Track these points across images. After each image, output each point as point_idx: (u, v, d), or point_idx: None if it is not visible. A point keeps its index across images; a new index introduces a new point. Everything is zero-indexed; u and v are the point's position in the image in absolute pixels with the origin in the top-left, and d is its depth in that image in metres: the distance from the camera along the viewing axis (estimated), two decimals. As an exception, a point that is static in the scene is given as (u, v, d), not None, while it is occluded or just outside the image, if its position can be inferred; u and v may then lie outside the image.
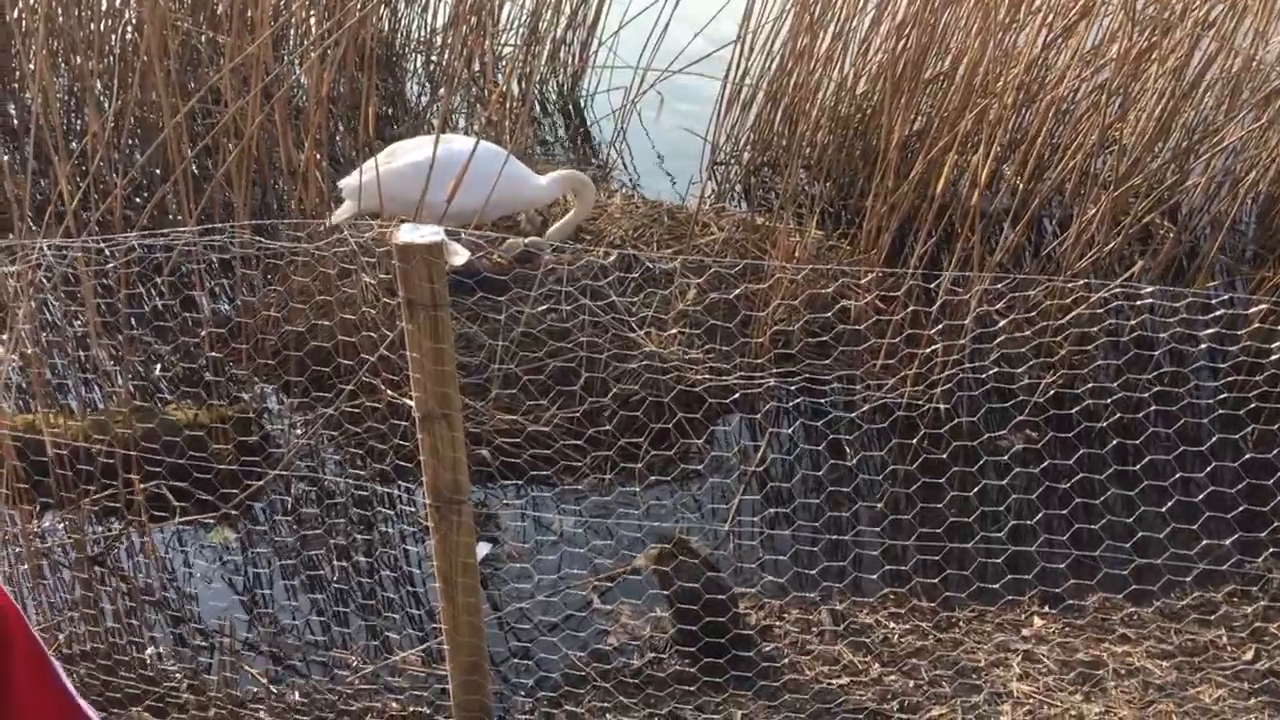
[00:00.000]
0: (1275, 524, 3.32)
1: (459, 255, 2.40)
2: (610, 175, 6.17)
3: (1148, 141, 5.07)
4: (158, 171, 5.43)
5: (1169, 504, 3.33)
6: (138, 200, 5.34)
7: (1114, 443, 3.34)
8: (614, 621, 3.68)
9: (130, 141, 5.37)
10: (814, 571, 3.70)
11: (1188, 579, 3.55)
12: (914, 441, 4.06)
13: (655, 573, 3.56)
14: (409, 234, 2.33)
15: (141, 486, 3.56)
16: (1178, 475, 3.11)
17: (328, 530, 4.02)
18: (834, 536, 3.92)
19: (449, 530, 2.58)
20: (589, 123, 6.87)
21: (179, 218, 4.75)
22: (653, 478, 4.15)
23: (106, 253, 3.31)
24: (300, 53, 5.41)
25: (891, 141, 4.89)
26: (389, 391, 4.01)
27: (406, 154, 4.70)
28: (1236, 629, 3.54)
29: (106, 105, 4.85)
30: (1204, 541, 3.34)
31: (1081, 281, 3.93)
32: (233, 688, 3.41)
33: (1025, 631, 3.61)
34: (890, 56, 5.45)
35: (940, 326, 4.07)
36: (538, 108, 6.95)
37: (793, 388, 4.41)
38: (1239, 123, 5.12)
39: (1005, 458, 4.10)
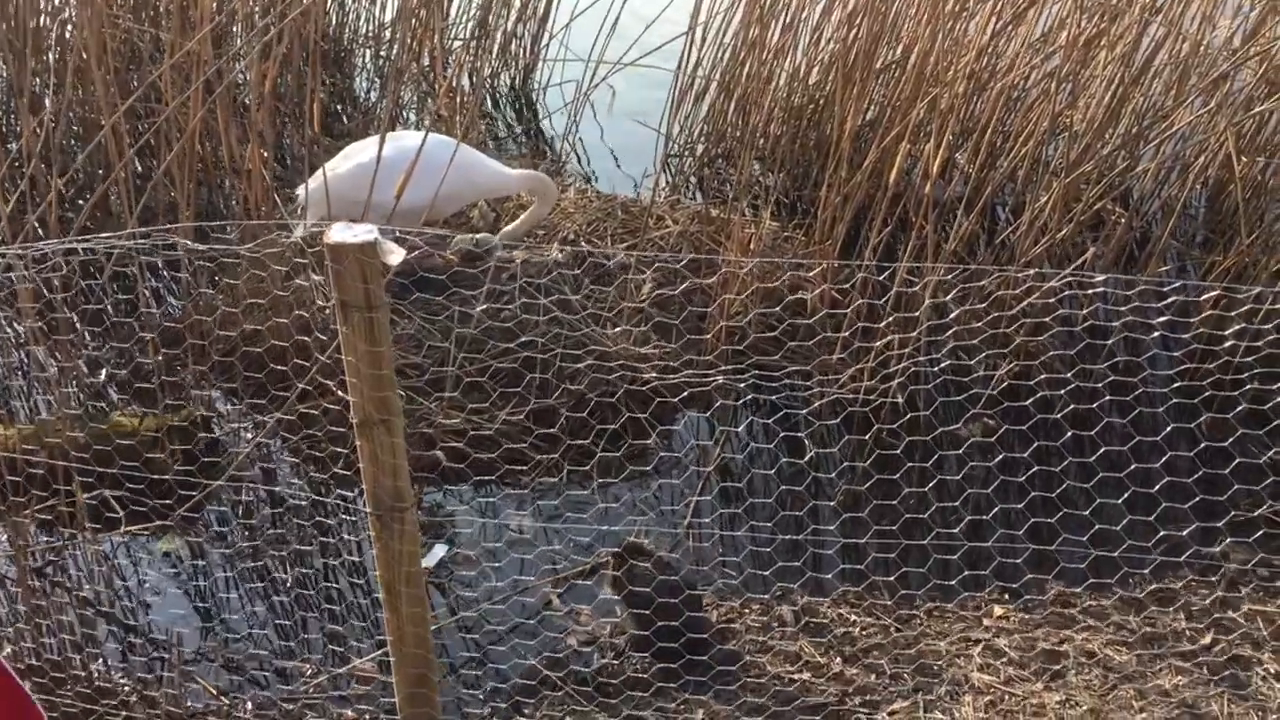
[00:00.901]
0: (1233, 513, 3.33)
1: (394, 254, 2.31)
2: (564, 169, 6.11)
3: (1098, 128, 5.08)
4: (101, 172, 5.31)
5: (1125, 495, 3.33)
6: (81, 202, 5.22)
7: (1069, 434, 3.33)
8: (573, 622, 3.64)
9: (72, 142, 5.26)
10: (770, 571, 3.67)
11: (1146, 571, 3.56)
12: (866, 437, 4.05)
13: (610, 577, 3.51)
14: (341, 233, 2.25)
15: (86, 496, 3.47)
16: (1133, 465, 3.10)
17: (280, 537, 3.94)
18: (792, 537, 3.89)
19: (390, 539, 2.50)
20: (541, 117, 6.80)
21: (123, 219, 4.65)
22: (600, 480, 4.10)
23: (43, 255, 3.23)
24: (242, 46, 5.30)
25: (844, 131, 4.87)
26: (339, 392, 3.94)
27: (355, 156, 4.63)
28: (1196, 615, 3.54)
29: (46, 104, 4.73)
30: (1161, 532, 3.34)
31: (1033, 271, 3.92)
32: (182, 700, 3.34)
33: (986, 622, 3.60)
34: (842, 46, 5.43)
35: (893, 319, 4.05)
36: (489, 102, 6.88)
37: (743, 385, 4.37)
38: (1188, 107, 5.14)
39: (962, 450, 4.08)
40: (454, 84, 6.34)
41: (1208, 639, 3.45)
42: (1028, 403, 3.60)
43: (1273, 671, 3.32)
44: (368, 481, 2.44)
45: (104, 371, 4.46)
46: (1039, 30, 5.23)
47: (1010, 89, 5.31)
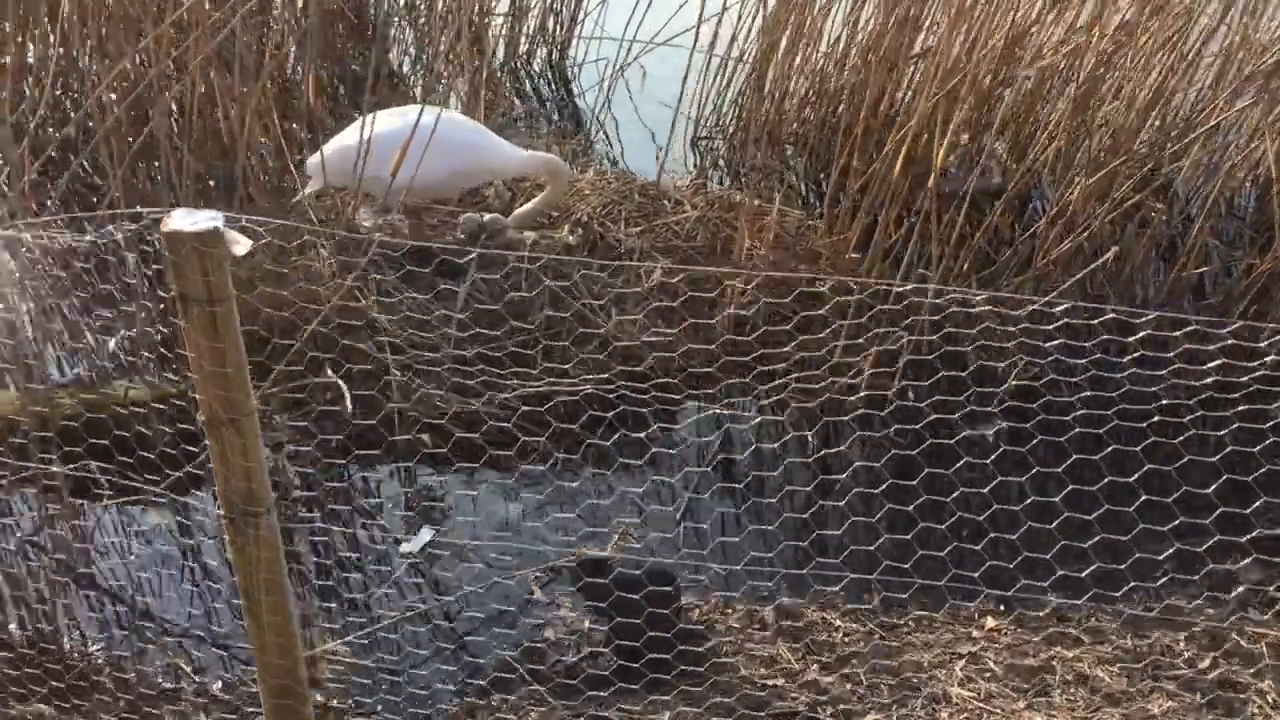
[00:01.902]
0: (1254, 533, 3.13)
1: (240, 245, 2.16)
2: (593, 148, 6.02)
3: (1137, 121, 4.88)
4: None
5: (1134, 524, 3.15)
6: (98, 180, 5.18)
7: (1073, 459, 3.17)
8: (552, 615, 3.57)
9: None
10: (755, 568, 3.56)
11: (1123, 593, 3.39)
12: (840, 442, 3.91)
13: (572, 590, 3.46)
14: (180, 220, 2.12)
15: (70, 467, 3.47)
16: (1146, 498, 2.95)
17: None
18: (789, 543, 3.78)
19: (245, 544, 2.36)
20: (576, 94, 6.71)
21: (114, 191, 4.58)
22: (588, 473, 4.02)
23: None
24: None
25: (873, 118, 4.73)
26: (329, 372, 3.91)
27: (368, 126, 4.57)
28: (1195, 637, 3.38)
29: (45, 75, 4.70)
30: (1166, 553, 3.16)
31: (1045, 299, 3.72)
32: (153, 676, 3.33)
33: (975, 634, 3.47)
34: (879, 26, 5.28)
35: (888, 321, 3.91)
36: (524, 79, 6.81)
37: (715, 390, 4.25)
38: (1231, 101, 4.90)
39: (958, 443, 3.92)
40: (489, 58, 6.25)
41: (1205, 663, 3.29)
42: (1029, 424, 3.44)
43: (1270, 700, 3.16)
44: (219, 482, 2.31)
45: (112, 342, 4.46)
46: (1083, 17, 5.02)
47: (1054, 75, 5.12)
